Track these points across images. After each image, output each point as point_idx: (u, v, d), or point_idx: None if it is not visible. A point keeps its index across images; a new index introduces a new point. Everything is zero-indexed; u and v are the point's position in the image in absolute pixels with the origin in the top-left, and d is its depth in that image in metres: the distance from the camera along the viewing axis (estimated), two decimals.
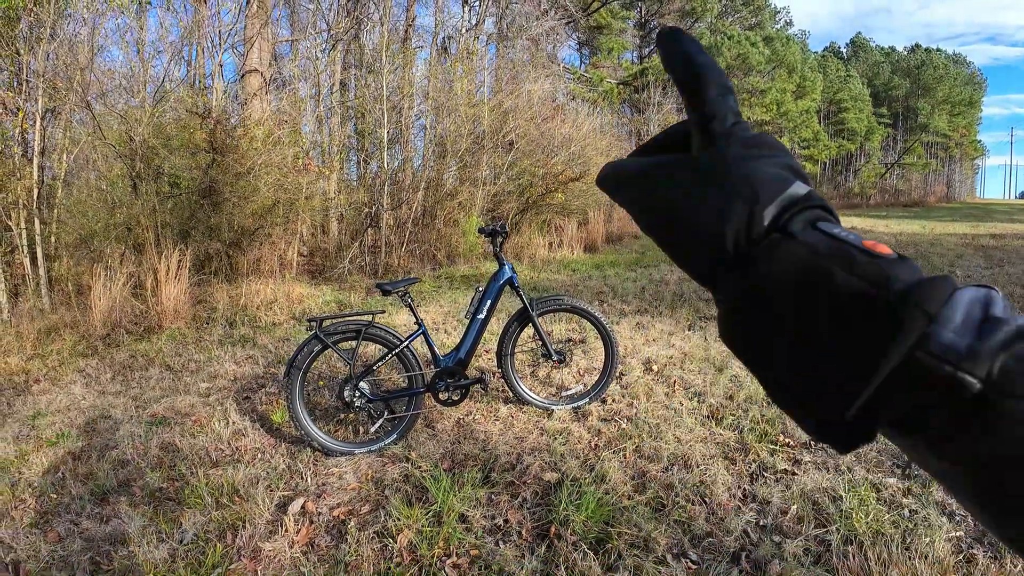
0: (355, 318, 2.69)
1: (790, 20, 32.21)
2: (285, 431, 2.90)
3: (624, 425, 2.77)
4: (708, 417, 2.87)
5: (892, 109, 37.60)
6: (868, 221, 15.86)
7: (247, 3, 9.32)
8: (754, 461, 2.45)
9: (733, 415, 2.87)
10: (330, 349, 2.60)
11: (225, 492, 2.31)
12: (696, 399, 3.10)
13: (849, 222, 15.43)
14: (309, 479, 2.44)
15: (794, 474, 2.35)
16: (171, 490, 2.39)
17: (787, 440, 2.62)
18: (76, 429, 3.08)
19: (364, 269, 7.70)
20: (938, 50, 38.51)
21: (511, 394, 3.04)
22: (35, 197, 5.48)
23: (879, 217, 17.87)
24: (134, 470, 2.57)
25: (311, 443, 2.63)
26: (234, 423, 3.00)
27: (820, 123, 30.82)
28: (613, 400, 3.09)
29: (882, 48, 40.94)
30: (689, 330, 4.52)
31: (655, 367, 3.60)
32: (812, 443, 2.60)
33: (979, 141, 51.00)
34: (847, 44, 42.03)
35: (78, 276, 5.53)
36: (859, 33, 48.21)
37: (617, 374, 3.35)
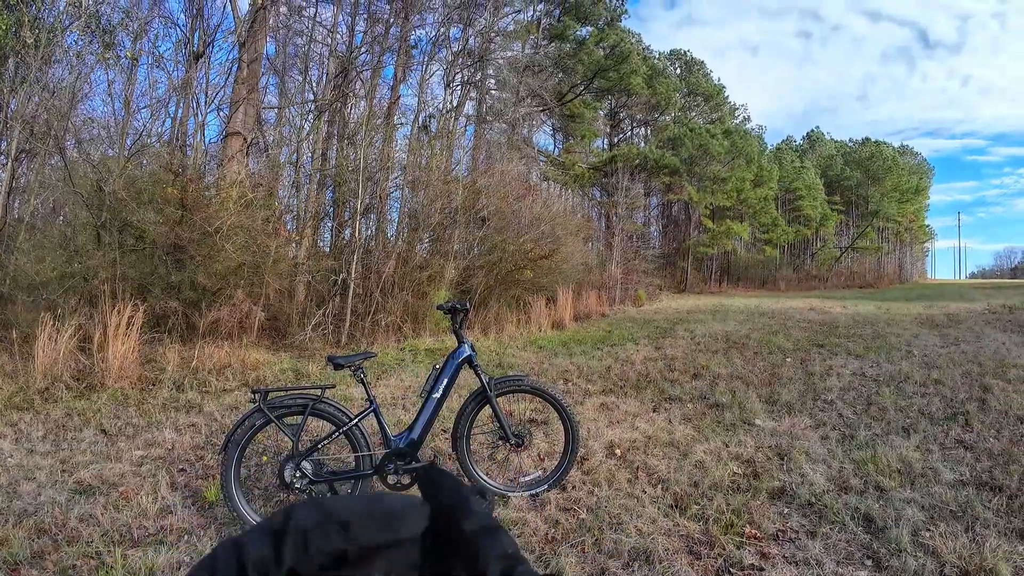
0: (303, 391, 2.55)
1: (748, 116, 34.83)
2: (218, 511, 2.65)
3: (583, 515, 2.62)
4: (672, 506, 2.75)
5: (845, 197, 40.10)
6: (827, 302, 16.44)
7: (237, 68, 9.62)
8: (720, 555, 2.33)
9: (698, 503, 2.75)
10: (273, 424, 2.44)
11: None
12: (660, 486, 2.98)
13: (809, 303, 15.96)
14: None
15: (761, 569, 2.23)
16: (84, 569, 2.15)
17: (754, 532, 2.51)
18: None
19: (327, 337, 7.50)
20: (887, 144, 41.72)
21: (466, 478, 2.87)
22: None
23: (836, 299, 18.55)
24: (50, 541, 2.34)
25: (244, 526, 2.41)
26: (163, 498, 2.75)
27: (778, 209, 32.63)
28: (573, 487, 2.94)
29: (835, 141, 44.28)
30: (654, 412, 4.45)
31: (618, 451, 3.49)
32: (780, 535, 2.50)
33: (928, 226, 54.41)
34: (804, 137, 45.38)
35: (29, 323, 5.23)
36: (817, 127, 52.23)
37: (578, 459, 3.22)
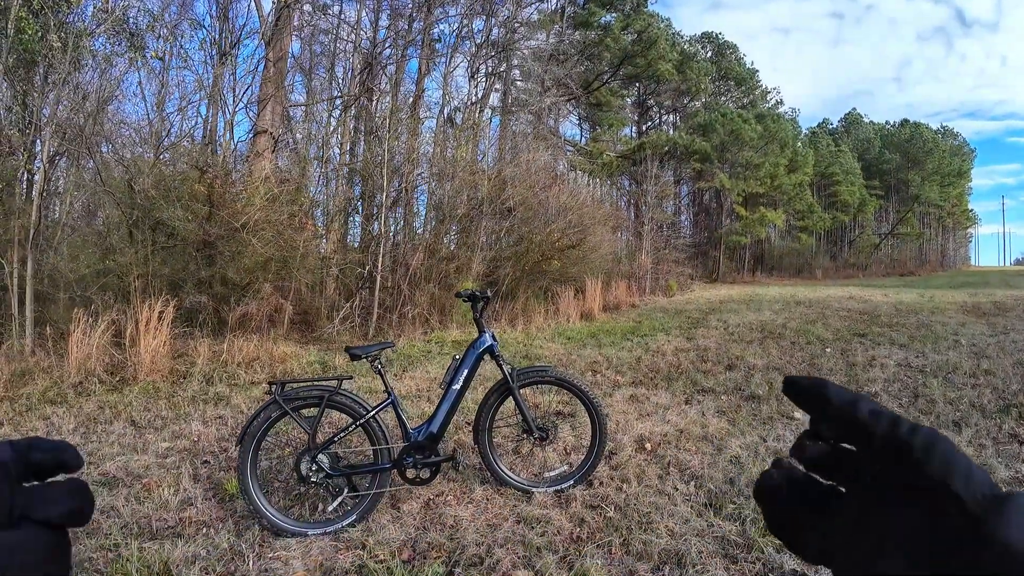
0: (320, 383, 2.49)
1: (781, 99, 33.60)
2: (238, 503, 2.62)
3: (611, 513, 2.49)
4: (706, 505, 2.60)
5: (884, 181, 38.44)
6: (867, 290, 15.76)
7: (263, 66, 9.72)
8: (758, 559, 2.17)
9: (734, 503, 2.59)
10: (289, 416, 2.39)
11: (156, 570, 2.04)
12: (693, 483, 2.83)
13: (848, 291, 15.34)
14: (251, 563, 2.16)
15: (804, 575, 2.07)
16: (100, 561, 2.13)
17: None
18: None
19: (355, 330, 7.52)
20: (926, 125, 39.76)
21: (488, 473, 2.77)
22: (30, 238, 5.41)
23: (877, 287, 17.79)
24: (70, 533, 2.32)
25: (260, 520, 2.37)
26: (185, 490, 2.73)
27: (813, 195, 31.50)
28: (600, 483, 2.81)
29: (873, 123, 42.44)
30: (686, 404, 4.28)
31: (648, 445, 3.34)
32: None
33: (971, 210, 51.86)
34: (840, 120, 43.61)
35: (64, 320, 5.38)
36: (854, 108, 49.93)
37: (606, 453, 3.08)
